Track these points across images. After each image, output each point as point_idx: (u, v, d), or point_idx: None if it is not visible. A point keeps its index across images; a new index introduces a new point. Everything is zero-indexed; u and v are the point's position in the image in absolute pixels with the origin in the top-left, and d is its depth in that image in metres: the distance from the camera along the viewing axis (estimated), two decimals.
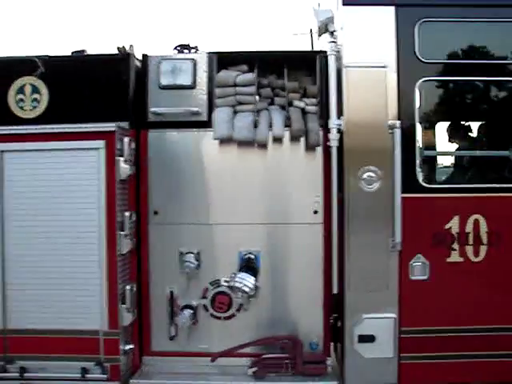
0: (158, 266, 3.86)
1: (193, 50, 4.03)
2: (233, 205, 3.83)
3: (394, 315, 3.53)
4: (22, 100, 3.81)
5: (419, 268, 3.53)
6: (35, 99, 3.81)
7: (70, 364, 3.62)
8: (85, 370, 3.61)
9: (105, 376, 3.60)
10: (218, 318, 3.83)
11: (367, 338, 3.52)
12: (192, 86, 3.82)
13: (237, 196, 3.83)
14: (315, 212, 3.81)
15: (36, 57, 3.86)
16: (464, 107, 3.70)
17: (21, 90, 3.82)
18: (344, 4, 3.54)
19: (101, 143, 3.58)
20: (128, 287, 3.68)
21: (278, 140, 3.72)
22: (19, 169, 3.65)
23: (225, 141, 3.75)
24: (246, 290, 3.59)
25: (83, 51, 3.97)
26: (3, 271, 3.65)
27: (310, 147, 3.71)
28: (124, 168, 3.62)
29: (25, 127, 3.69)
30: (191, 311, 3.79)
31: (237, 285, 3.61)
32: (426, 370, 3.52)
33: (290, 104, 3.82)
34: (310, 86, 3.80)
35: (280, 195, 3.84)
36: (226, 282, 3.79)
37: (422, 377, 3.54)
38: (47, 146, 3.64)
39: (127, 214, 3.66)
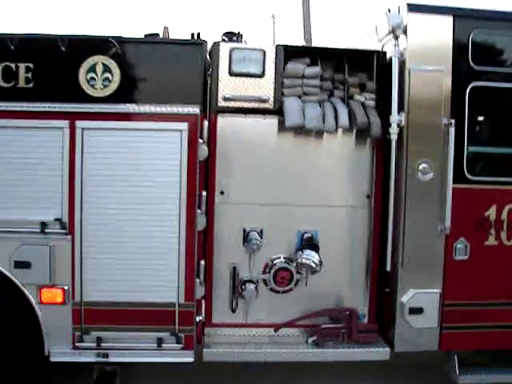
0: (221, 243, 4.13)
1: (236, 37, 4.26)
2: (293, 187, 4.16)
3: (439, 290, 4.03)
4: (93, 78, 3.90)
5: (461, 249, 4.04)
6: (107, 78, 3.91)
7: (145, 334, 3.84)
8: (160, 340, 3.85)
9: (179, 345, 3.86)
10: (277, 291, 4.16)
11: (416, 311, 4.00)
12: (261, 75, 4.06)
13: (296, 179, 4.16)
14: (367, 196, 4.23)
15: (110, 37, 3.96)
16: (506, 112, 4.20)
17: (92, 69, 3.90)
18: (409, 11, 3.92)
19: (184, 125, 3.77)
20: (202, 262, 3.93)
21: (337, 130, 4.07)
22: (100, 146, 3.77)
23: (289, 128, 4.06)
24: (313, 265, 3.96)
25: (157, 34, 4.10)
26: (81, 245, 3.78)
27: (371, 139, 4.09)
28: (203, 150, 3.85)
29: (108, 106, 3.82)
30: (254, 285, 4.10)
31: (304, 261, 3.97)
32: (463, 338, 4.06)
33: (350, 97, 4.17)
34: (368, 82, 4.17)
35: (335, 180, 4.21)
36: (289, 259, 4.13)
37: (459, 344, 4.08)
38: (130, 125, 3.79)
39: (204, 193, 3.89)
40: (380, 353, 4.04)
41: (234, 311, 4.14)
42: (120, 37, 3.98)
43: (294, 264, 4.10)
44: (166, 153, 3.79)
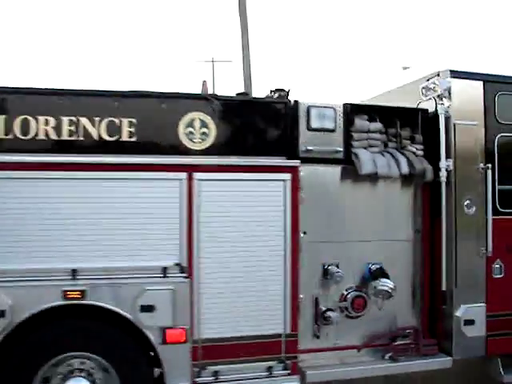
0: (303, 277, 4.64)
1: (284, 93, 4.88)
2: (360, 225, 4.81)
3: (483, 304, 4.87)
4: (191, 133, 4.32)
5: (498, 269, 4.93)
6: (204, 133, 4.35)
7: (256, 365, 4.23)
8: (270, 368, 4.26)
9: (287, 372, 4.29)
10: (352, 317, 4.75)
11: (469, 322, 4.80)
12: (333, 130, 4.72)
13: (362, 218, 4.82)
14: (418, 231, 5.00)
15: (208, 95, 4.42)
16: None
17: (190, 124, 4.32)
18: (452, 76, 4.82)
19: (288, 175, 4.30)
20: (301, 296, 4.43)
21: (401, 176, 4.82)
22: (213, 196, 4.17)
23: (354, 175, 4.73)
24: (390, 291, 4.62)
25: (246, 94, 4.61)
26: (198, 287, 4.11)
27: (425, 182, 4.88)
28: (301, 196, 4.39)
29: (220, 159, 4.23)
30: (336, 313, 4.65)
31: (382, 288, 4.62)
32: (504, 343, 4.91)
33: (402, 148, 4.95)
34: (416, 135, 4.98)
35: (392, 218, 4.94)
36: (360, 288, 4.75)
37: (502, 348, 4.92)
38: (239, 176, 4.23)
39: (302, 234, 4.42)
40: (445, 361, 4.76)
41: (318, 337, 4.65)
42: (214, 95, 4.45)
43: (367, 292, 4.73)
44: (271, 200, 4.27)
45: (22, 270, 3.80)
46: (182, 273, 4.08)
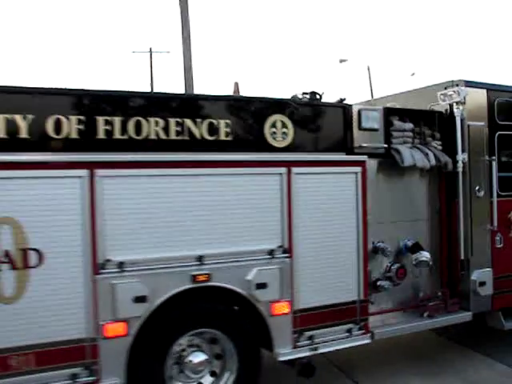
0: None
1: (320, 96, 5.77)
2: (395, 208, 5.80)
3: (490, 268, 6.09)
4: (274, 133, 5.02)
5: (498, 240, 6.18)
6: (284, 132, 5.07)
7: (339, 328, 5.06)
8: (349, 330, 5.11)
9: (361, 331, 5.17)
10: (395, 285, 5.73)
11: (482, 284, 5.99)
12: (377, 129, 5.64)
13: (397, 202, 5.82)
14: (437, 212, 6.11)
15: (288, 99, 5.13)
16: None
17: (273, 125, 5.02)
18: (466, 86, 5.95)
19: (359, 168, 5.15)
20: (368, 268, 5.32)
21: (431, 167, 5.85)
22: (303, 188, 4.89)
23: (390, 166, 5.69)
24: (429, 261, 5.66)
25: (316, 93, 5.33)
26: (296, 265, 4.83)
27: (446, 172, 5.96)
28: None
29: (307, 155, 4.97)
30: (387, 281, 5.60)
31: (423, 259, 5.64)
32: (505, 299, 6.18)
33: (425, 144, 5.99)
34: (436, 133, 6.05)
35: (418, 202, 5.99)
36: (399, 260, 5.73)
37: (504, 303, 6.19)
38: (320, 170, 4.99)
39: (369, 217, 5.30)
40: (467, 316, 5.92)
41: (372, 303, 5.56)
42: (291, 99, 5.17)
43: (406, 263, 5.74)
44: (346, 189, 5.10)
45: (158, 258, 4.27)
46: (284, 253, 4.78)
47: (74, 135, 4.20)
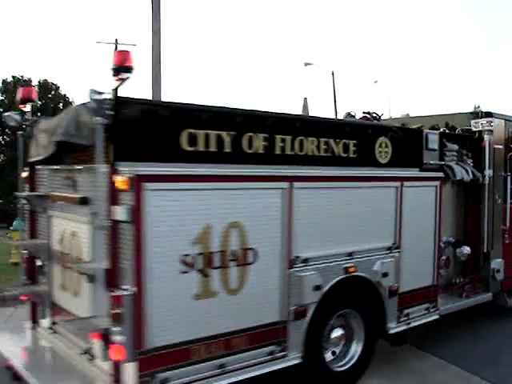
0: None
1: (379, 116, 7.24)
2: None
3: (501, 259, 7.90)
4: (380, 151, 6.28)
5: (507, 237, 8.01)
6: (386, 151, 6.34)
7: (422, 306, 6.48)
8: (427, 308, 6.55)
9: (435, 309, 6.64)
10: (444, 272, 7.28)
11: (498, 271, 7.77)
12: (436, 149, 7.10)
13: (445, 209, 7.37)
14: (465, 215, 7.77)
15: (390, 126, 6.40)
16: None
17: (380, 145, 6.26)
18: (485, 117, 7.63)
19: (438, 183, 6.57)
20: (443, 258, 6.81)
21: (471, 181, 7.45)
22: (410, 198, 6.19)
23: (456, 180, 7.20)
24: (470, 253, 7.29)
25: (377, 116, 6.63)
26: (402, 259, 6.13)
27: (475, 184, 7.60)
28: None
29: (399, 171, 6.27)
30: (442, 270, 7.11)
31: (466, 252, 7.25)
32: (510, 284, 8.04)
33: (462, 161, 7.57)
34: (468, 152, 7.66)
35: (454, 206, 7.60)
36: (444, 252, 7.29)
37: (510, 287, 8.04)
38: (417, 184, 6.34)
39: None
40: (489, 296, 7.65)
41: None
42: (395, 126, 6.45)
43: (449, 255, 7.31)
44: (429, 198, 6.50)
45: (325, 254, 5.33)
46: (396, 249, 6.07)
47: (261, 150, 5.06)
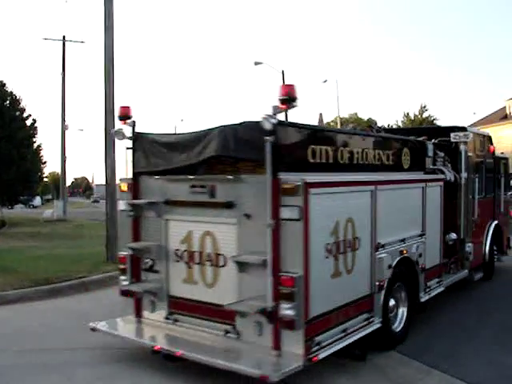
0: None
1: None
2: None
3: (471, 244, 9.98)
4: (404, 159, 7.94)
5: (474, 226, 10.12)
6: (406, 159, 8.02)
7: (435, 280, 8.23)
8: (439, 282, 8.32)
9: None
10: None
11: (469, 253, 9.71)
12: (431, 156, 8.93)
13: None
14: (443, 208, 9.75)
15: (410, 139, 8.10)
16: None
17: (404, 154, 7.93)
18: (461, 131, 9.67)
19: (442, 183, 8.39)
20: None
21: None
22: (430, 194, 7.89)
23: (446, 181, 9.09)
24: (456, 239, 9.24)
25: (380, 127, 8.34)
26: (426, 242, 7.81)
27: (455, 185, 9.57)
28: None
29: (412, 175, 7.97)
30: None
31: (453, 237, 9.17)
32: (475, 261, 10.15)
33: (445, 165, 9.48)
34: (448, 158, 9.61)
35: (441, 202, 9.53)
36: None
37: (475, 264, 10.16)
38: (433, 184, 8.07)
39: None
40: (466, 272, 9.65)
41: None
42: (411, 139, 8.13)
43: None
44: (436, 195, 8.27)
45: (392, 240, 6.82)
46: (424, 235, 7.74)
47: (356, 161, 6.50)
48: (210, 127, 5.78)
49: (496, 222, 11.26)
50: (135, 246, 6.55)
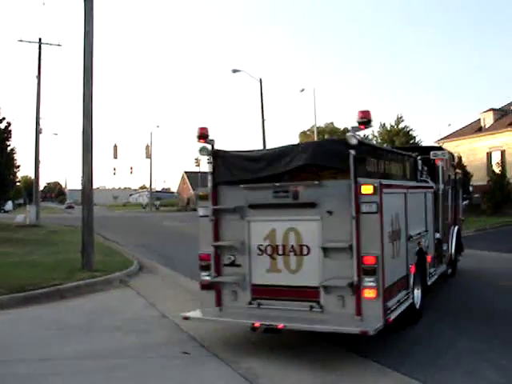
0: None
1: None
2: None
3: (447, 244, 12.11)
4: (408, 170, 9.91)
5: (447, 227, 12.30)
6: (409, 170, 10.00)
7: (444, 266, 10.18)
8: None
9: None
10: None
11: (446, 251, 11.94)
12: (420, 169, 10.97)
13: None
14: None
15: (411, 154, 10.09)
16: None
17: (408, 166, 9.90)
18: (439, 150, 11.87)
19: (433, 190, 10.41)
20: None
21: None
22: (429, 198, 9.86)
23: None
24: (439, 238, 11.31)
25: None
26: (428, 236, 9.73)
27: (436, 192, 11.69)
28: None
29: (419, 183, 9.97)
30: None
31: (438, 237, 11.24)
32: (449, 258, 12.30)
33: (427, 177, 11.57)
34: (428, 171, 11.72)
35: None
36: None
37: (449, 260, 12.30)
38: (429, 190, 10.07)
39: None
40: (445, 266, 11.73)
41: None
42: (411, 155, 10.13)
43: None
44: (430, 201, 10.29)
45: (414, 234, 8.64)
46: (427, 231, 9.70)
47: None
48: (293, 144, 7.32)
49: (458, 226, 13.58)
50: (221, 244, 7.78)
